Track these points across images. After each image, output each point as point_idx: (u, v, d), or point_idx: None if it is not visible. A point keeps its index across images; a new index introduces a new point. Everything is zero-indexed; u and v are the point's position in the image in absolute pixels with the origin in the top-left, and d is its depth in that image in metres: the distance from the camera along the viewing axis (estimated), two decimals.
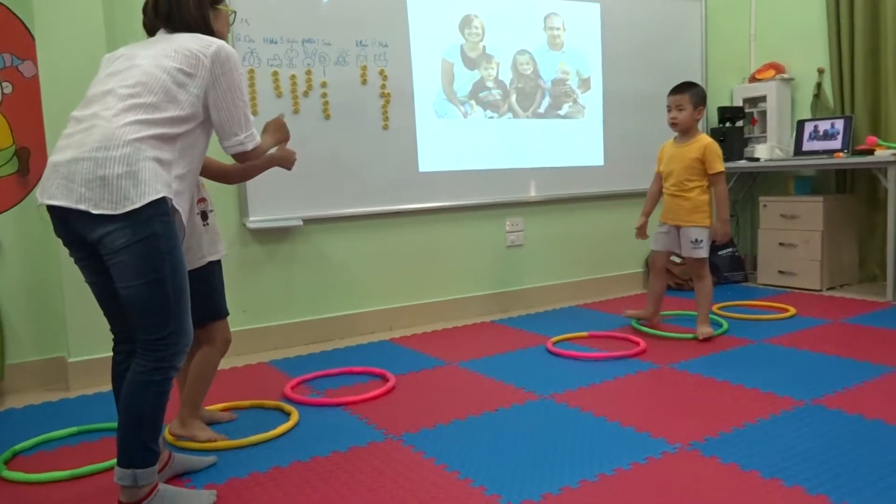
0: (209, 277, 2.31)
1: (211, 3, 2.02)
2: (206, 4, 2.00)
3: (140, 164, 1.69)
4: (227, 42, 2.01)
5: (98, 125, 1.72)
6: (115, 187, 1.66)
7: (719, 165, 3.32)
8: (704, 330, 3.34)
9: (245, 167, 2.30)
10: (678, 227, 3.43)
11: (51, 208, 1.74)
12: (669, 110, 3.39)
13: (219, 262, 2.36)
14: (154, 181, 1.70)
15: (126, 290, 1.73)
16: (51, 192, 1.72)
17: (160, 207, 1.72)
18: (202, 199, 2.30)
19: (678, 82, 3.46)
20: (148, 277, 1.71)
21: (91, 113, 1.77)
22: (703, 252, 3.39)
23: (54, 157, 1.75)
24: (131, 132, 1.71)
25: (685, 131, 3.39)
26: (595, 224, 4.72)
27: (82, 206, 1.67)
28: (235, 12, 2.17)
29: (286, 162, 2.35)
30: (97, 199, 1.67)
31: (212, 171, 2.32)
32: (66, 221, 1.74)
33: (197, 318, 2.25)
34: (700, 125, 5.07)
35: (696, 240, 3.37)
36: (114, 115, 1.73)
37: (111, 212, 1.66)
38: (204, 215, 2.30)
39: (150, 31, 2.01)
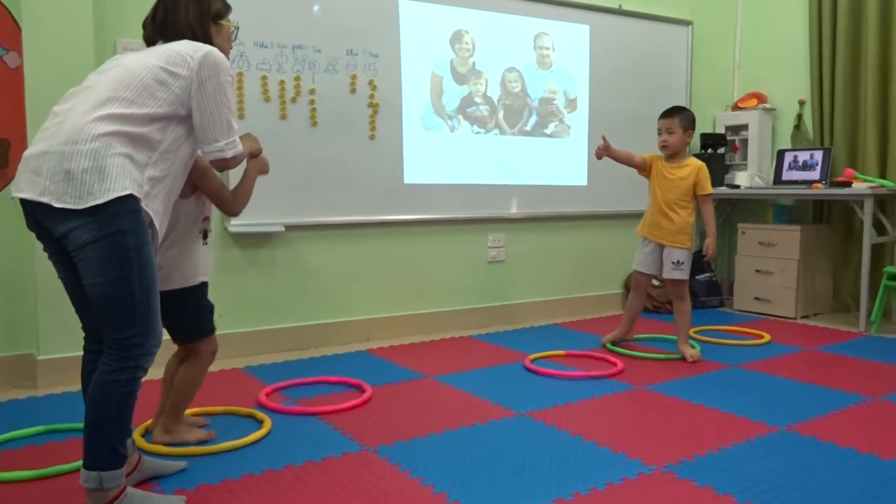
0: (199, 297, 2.29)
1: (213, 19, 2.01)
2: (209, 19, 1.99)
3: (108, 160, 1.67)
4: (228, 54, 2.01)
5: (69, 119, 1.71)
6: (80, 181, 1.64)
7: (710, 187, 3.42)
8: (691, 352, 3.38)
9: (242, 185, 2.27)
10: (661, 246, 3.45)
11: (21, 202, 1.72)
12: (660, 133, 3.42)
13: (206, 283, 2.32)
14: (122, 177, 1.67)
15: (91, 287, 1.69)
16: (19, 185, 1.71)
17: (127, 204, 1.68)
18: (206, 218, 2.28)
19: (664, 107, 3.50)
20: (114, 274, 1.68)
21: (68, 107, 1.76)
22: (684, 274, 3.42)
23: (27, 151, 1.74)
24: (102, 127, 1.69)
25: (675, 154, 3.42)
26: (576, 243, 4.74)
27: (45, 199, 1.65)
28: (238, 27, 2.15)
29: (263, 166, 2.33)
30: (60, 192, 1.64)
31: (222, 202, 2.26)
32: (35, 215, 1.72)
33: (184, 337, 2.26)
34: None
35: (678, 261, 3.40)
36: (87, 109, 1.72)
37: (73, 206, 1.64)
38: (205, 234, 2.28)
39: (150, 44, 2.00)
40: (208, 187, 2.21)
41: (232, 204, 2.27)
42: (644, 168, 3.49)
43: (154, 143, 1.78)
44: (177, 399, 2.29)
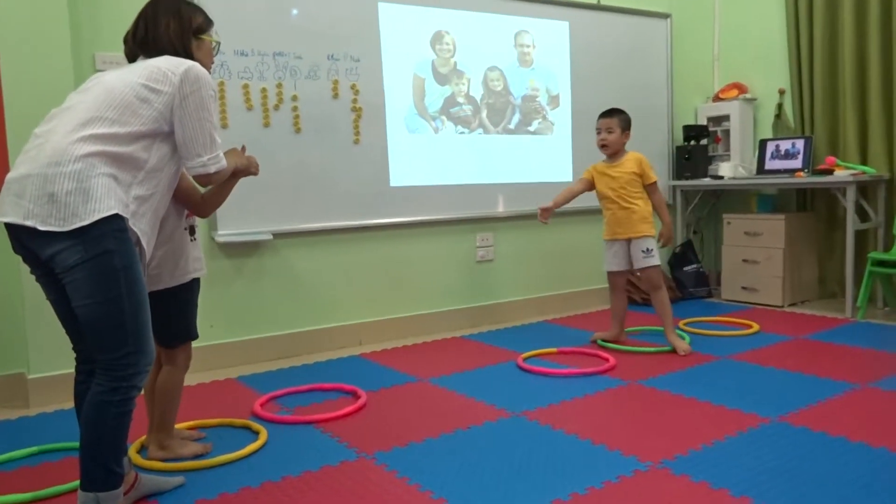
0: (188, 296, 2.26)
1: (194, 34, 2.00)
2: (189, 34, 1.99)
3: (92, 181, 1.66)
4: (209, 69, 2.00)
5: (51, 140, 1.70)
6: (64, 203, 1.63)
7: (654, 175, 3.52)
8: (682, 345, 3.42)
9: (216, 192, 2.21)
10: (628, 240, 3.51)
11: (6, 226, 1.71)
12: (599, 132, 3.52)
13: (199, 280, 2.31)
14: (107, 198, 1.67)
15: (81, 308, 1.69)
16: (3, 208, 1.70)
17: (113, 224, 1.68)
18: (191, 213, 2.26)
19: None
20: (103, 296, 1.67)
21: (49, 128, 1.75)
22: (655, 259, 3.50)
23: (10, 174, 1.72)
24: (84, 147, 1.68)
25: (614, 153, 3.52)
26: (564, 240, 4.76)
27: (29, 223, 1.64)
28: (220, 42, 2.14)
29: (251, 167, 2.21)
30: (44, 215, 1.63)
31: (190, 204, 2.22)
32: (21, 239, 1.71)
33: (167, 338, 2.23)
34: (666, 145, 5.19)
35: (647, 249, 3.48)
36: (69, 130, 1.70)
37: (59, 228, 1.63)
38: (192, 230, 2.25)
39: (131, 59, 1.99)
40: (179, 186, 2.13)
41: (200, 207, 2.23)
42: (589, 185, 3.61)
43: (139, 161, 1.77)
44: (162, 410, 2.27)
